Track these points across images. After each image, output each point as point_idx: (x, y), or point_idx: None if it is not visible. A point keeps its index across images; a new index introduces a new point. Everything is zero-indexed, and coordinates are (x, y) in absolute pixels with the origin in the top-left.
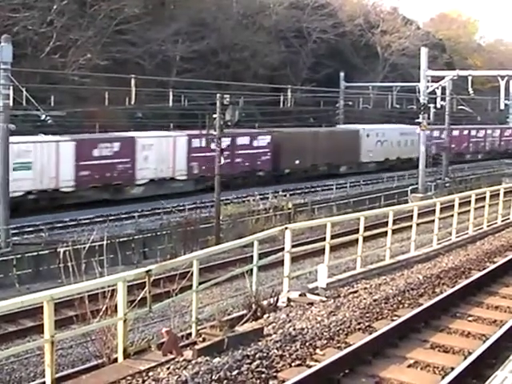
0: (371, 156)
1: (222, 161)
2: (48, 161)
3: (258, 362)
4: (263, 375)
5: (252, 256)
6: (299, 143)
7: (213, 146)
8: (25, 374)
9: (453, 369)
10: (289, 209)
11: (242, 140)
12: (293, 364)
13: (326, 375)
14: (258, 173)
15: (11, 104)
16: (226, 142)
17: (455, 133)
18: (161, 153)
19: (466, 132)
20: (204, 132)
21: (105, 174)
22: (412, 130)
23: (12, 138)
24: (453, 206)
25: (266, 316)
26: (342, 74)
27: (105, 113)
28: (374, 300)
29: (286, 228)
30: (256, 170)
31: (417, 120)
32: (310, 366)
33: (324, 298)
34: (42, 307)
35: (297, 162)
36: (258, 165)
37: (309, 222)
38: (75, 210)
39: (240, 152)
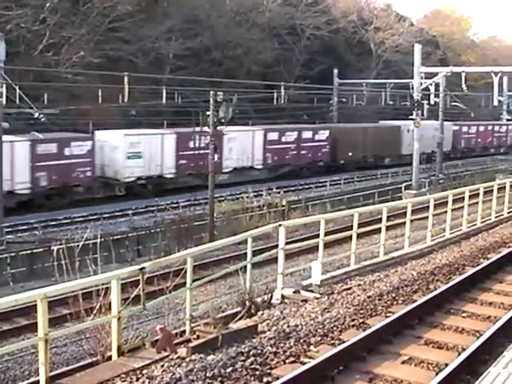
0: (410, 149)
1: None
2: (155, 151)
3: (252, 359)
4: (257, 372)
5: (246, 253)
6: (352, 137)
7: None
8: (19, 372)
9: (447, 365)
10: (283, 206)
11: (306, 134)
12: (287, 361)
13: (320, 372)
14: (319, 163)
15: (4, 102)
16: (293, 135)
17: (481, 128)
18: (242, 145)
19: (490, 128)
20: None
21: (198, 163)
22: (446, 126)
23: (126, 131)
24: (446, 202)
25: (260, 313)
26: (335, 71)
27: (98, 111)
28: (368, 297)
29: (280, 225)
30: (317, 160)
31: (410, 117)
32: (304, 363)
33: (318, 295)
34: (35, 305)
35: (350, 153)
36: (319, 156)
37: (303, 219)
38: (176, 194)
39: (304, 145)
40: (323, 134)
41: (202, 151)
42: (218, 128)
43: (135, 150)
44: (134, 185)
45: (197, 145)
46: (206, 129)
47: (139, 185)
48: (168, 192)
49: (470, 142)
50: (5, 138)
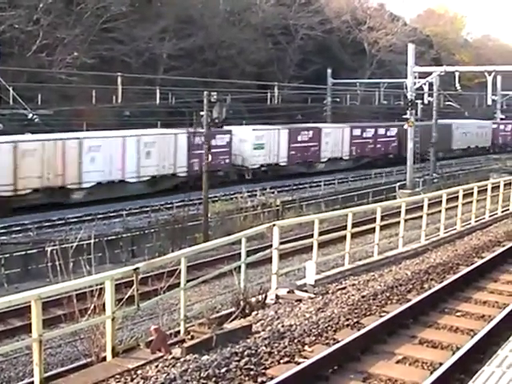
0: (459, 144)
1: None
2: (273, 143)
3: (246, 359)
4: (252, 372)
5: (240, 253)
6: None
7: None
8: (13, 373)
9: (441, 364)
10: (277, 206)
11: (381, 131)
12: (281, 361)
13: (314, 372)
14: (389, 155)
15: None
16: (371, 132)
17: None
18: (335, 139)
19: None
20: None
21: (304, 154)
22: (486, 124)
23: (253, 127)
24: (441, 201)
25: (254, 313)
26: (329, 71)
27: (92, 111)
28: (363, 296)
29: (274, 225)
30: (388, 153)
31: (404, 116)
32: (298, 363)
33: (312, 295)
34: (30, 306)
35: None
36: (390, 149)
37: (297, 219)
38: (287, 179)
39: (379, 140)
40: (393, 131)
41: (306, 144)
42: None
43: (259, 142)
44: (258, 171)
45: (303, 139)
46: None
47: (262, 171)
48: (282, 177)
49: (506, 138)
50: (168, 130)
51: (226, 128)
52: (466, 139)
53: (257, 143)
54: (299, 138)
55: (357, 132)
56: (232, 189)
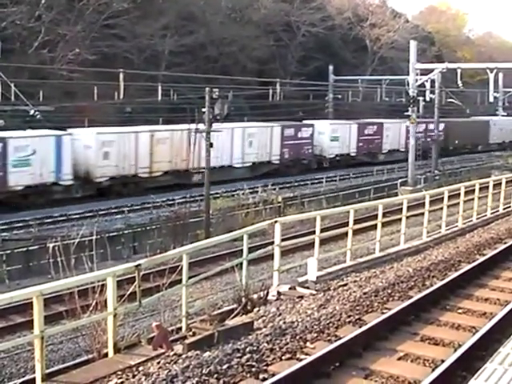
0: (495, 139)
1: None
2: (346, 136)
3: (248, 355)
4: (253, 369)
5: (242, 250)
6: (457, 129)
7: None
8: (15, 369)
9: (443, 361)
10: (278, 202)
11: (430, 126)
12: (283, 357)
13: (316, 368)
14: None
15: None
16: (423, 127)
17: None
18: (394, 133)
19: None
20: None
21: (369, 145)
22: None
23: (330, 121)
24: (442, 198)
25: (256, 310)
26: (330, 68)
27: (94, 108)
28: (364, 293)
29: (276, 221)
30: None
31: (406, 113)
32: (300, 360)
33: (314, 292)
34: (31, 303)
35: (456, 141)
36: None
37: (298, 216)
38: (355, 167)
39: (429, 134)
40: (441, 126)
41: (371, 137)
42: (381, 120)
43: (335, 135)
44: (333, 160)
45: (369, 132)
46: (200, 125)
47: (336, 160)
48: (351, 166)
49: None
50: (266, 123)
51: (309, 122)
52: (500, 134)
53: (333, 136)
54: (365, 132)
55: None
56: (233, 185)
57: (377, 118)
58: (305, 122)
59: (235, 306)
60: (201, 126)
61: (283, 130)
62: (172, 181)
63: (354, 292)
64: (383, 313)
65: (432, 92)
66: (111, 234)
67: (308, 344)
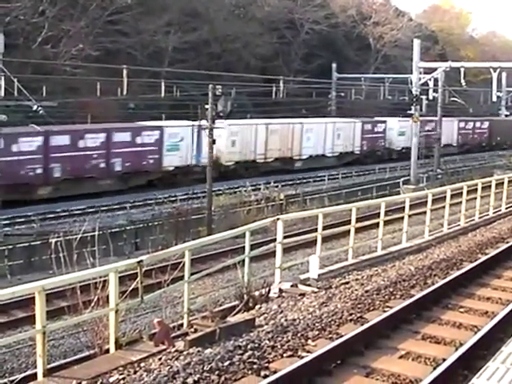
0: None
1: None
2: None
3: (249, 352)
4: (255, 366)
5: (244, 247)
6: (499, 127)
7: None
8: (16, 364)
9: (444, 360)
10: (281, 200)
11: (478, 124)
12: (284, 355)
13: (317, 366)
14: (483, 144)
15: (3, 94)
16: (471, 124)
17: None
18: (447, 130)
19: None
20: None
21: (428, 140)
22: None
23: (399, 118)
24: (444, 197)
25: (257, 307)
26: (334, 66)
27: (97, 103)
28: (366, 291)
29: (278, 219)
30: (481, 141)
31: (409, 112)
32: (301, 357)
33: (316, 289)
34: (33, 298)
35: (498, 138)
36: (483, 139)
37: (301, 213)
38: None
39: (477, 131)
40: (485, 124)
41: (430, 133)
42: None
43: (402, 130)
44: (400, 152)
45: (428, 128)
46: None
47: (403, 152)
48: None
49: None
50: (349, 119)
51: (382, 119)
52: None
53: (400, 131)
54: (426, 128)
55: (462, 124)
56: (236, 182)
57: (381, 116)
58: (378, 118)
59: (237, 302)
60: (305, 121)
61: (363, 126)
62: (280, 166)
63: (356, 290)
64: (385, 311)
65: (435, 91)
66: (113, 230)
67: (309, 341)
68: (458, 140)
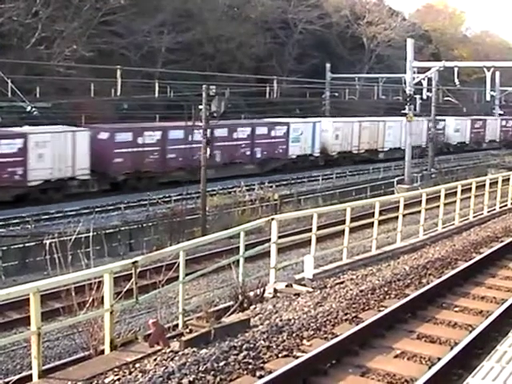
0: None
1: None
2: (464, 128)
3: (244, 353)
4: (250, 366)
5: (238, 247)
6: None
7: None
8: (11, 366)
9: (439, 359)
10: (275, 200)
11: (509, 123)
12: (280, 355)
13: (312, 366)
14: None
15: None
16: (510, 122)
17: None
18: (492, 127)
19: None
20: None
21: (477, 136)
22: None
23: (454, 117)
24: (439, 196)
25: (252, 307)
26: (327, 65)
27: (90, 104)
28: (361, 291)
29: (273, 219)
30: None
31: (403, 111)
32: (296, 357)
33: (310, 289)
34: (28, 299)
35: None
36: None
37: (295, 213)
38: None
39: (503, 129)
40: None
41: (478, 130)
42: (484, 117)
43: (457, 128)
44: (456, 146)
45: (477, 126)
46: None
47: (458, 146)
48: (465, 151)
49: None
50: (420, 118)
51: (441, 117)
52: None
53: (456, 128)
54: (475, 126)
55: (503, 123)
56: (230, 182)
57: (376, 116)
58: (438, 117)
59: (232, 303)
60: (387, 119)
61: (428, 123)
62: (368, 156)
63: (351, 290)
64: (380, 310)
65: (429, 90)
66: (108, 231)
67: (304, 341)
68: (500, 136)
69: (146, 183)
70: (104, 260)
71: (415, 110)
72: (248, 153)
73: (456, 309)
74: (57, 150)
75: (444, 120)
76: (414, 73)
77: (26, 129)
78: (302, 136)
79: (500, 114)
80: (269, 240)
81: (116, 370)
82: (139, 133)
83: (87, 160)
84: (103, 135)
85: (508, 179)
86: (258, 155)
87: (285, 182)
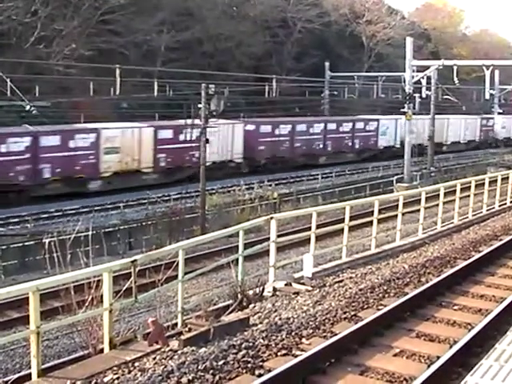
0: None
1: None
2: (509, 125)
3: (244, 351)
4: (249, 365)
5: (237, 246)
6: None
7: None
8: (11, 365)
9: (438, 357)
10: (274, 199)
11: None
12: (279, 353)
13: (311, 364)
14: None
15: None
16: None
17: None
18: (510, 125)
19: None
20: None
21: (486, 134)
22: None
23: (501, 116)
24: (438, 195)
25: (251, 306)
26: (327, 64)
27: (90, 103)
28: (360, 289)
29: (272, 218)
30: None
31: (402, 110)
32: (295, 356)
33: (310, 288)
34: (27, 298)
35: None
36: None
37: (294, 212)
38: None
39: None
40: None
41: (488, 128)
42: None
43: (504, 125)
44: (501, 142)
45: (489, 124)
46: (197, 121)
47: (505, 141)
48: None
49: None
50: (473, 116)
51: (490, 116)
52: None
53: (502, 125)
54: (488, 124)
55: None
56: (230, 181)
57: (374, 115)
58: (488, 116)
59: (231, 301)
60: (450, 117)
61: (481, 121)
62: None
63: (350, 288)
64: (379, 309)
65: (428, 89)
66: (107, 230)
67: (304, 340)
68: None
69: (280, 167)
70: (103, 259)
71: (414, 108)
72: (350, 144)
73: (455, 307)
74: (221, 139)
75: (492, 118)
76: (414, 71)
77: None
78: (388, 130)
79: (499, 113)
80: (268, 239)
81: (115, 368)
82: (276, 125)
83: (241, 147)
84: (250, 127)
85: (507, 178)
86: (357, 146)
87: (284, 181)
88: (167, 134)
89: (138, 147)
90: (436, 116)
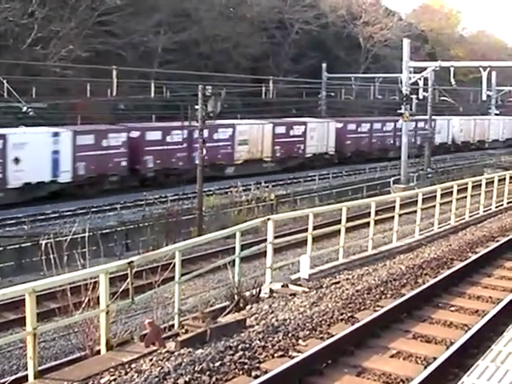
0: None
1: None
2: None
3: (240, 353)
4: (246, 366)
5: (234, 247)
6: None
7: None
8: (7, 366)
9: (435, 359)
10: (271, 200)
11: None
12: (275, 355)
13: (308, 366)
14: None
15: None
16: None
17: None
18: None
19: None
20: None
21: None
22: None
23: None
24: (435, 196)
25: (248, 307)
26: (324, 66)
27: (86, 104)
28: (357, 291)
29: (269, 219)
30: None
31: (399, 111)
32: (292, 357)
33: (306, 289)
34: (24, 300)
35: None
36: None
37: (291, 213)
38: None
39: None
40: None
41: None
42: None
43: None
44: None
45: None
46: (194, 122)
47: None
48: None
49: None
50: (508, 118)
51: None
52: None
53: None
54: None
55: None
56: (227, 183)
57: (370, 116)
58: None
59: (228, 303)
60: (492, 117)
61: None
62: (477, 145)
63: (347, 290)
64: (376, 310)
65: (425, 90)
66: (104, 231)
67: (300, 341)
68: None
69: (361, 158)
70: (100, 260)
71: (411, 109)
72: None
73: (452, 308)
74: (320, 134)
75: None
76: (411, 73)
77: (304, 119)
78: (442, 129)
79: (496, 114)
80: (265, 240)
81: (112, 370)
82: (359, 124)
83: (333, 141)
84: (339, 125)
85: (504, 179)
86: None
87: (281, 182)
88: (281, 129)
89: (261, 140)
90: (479, 117)
